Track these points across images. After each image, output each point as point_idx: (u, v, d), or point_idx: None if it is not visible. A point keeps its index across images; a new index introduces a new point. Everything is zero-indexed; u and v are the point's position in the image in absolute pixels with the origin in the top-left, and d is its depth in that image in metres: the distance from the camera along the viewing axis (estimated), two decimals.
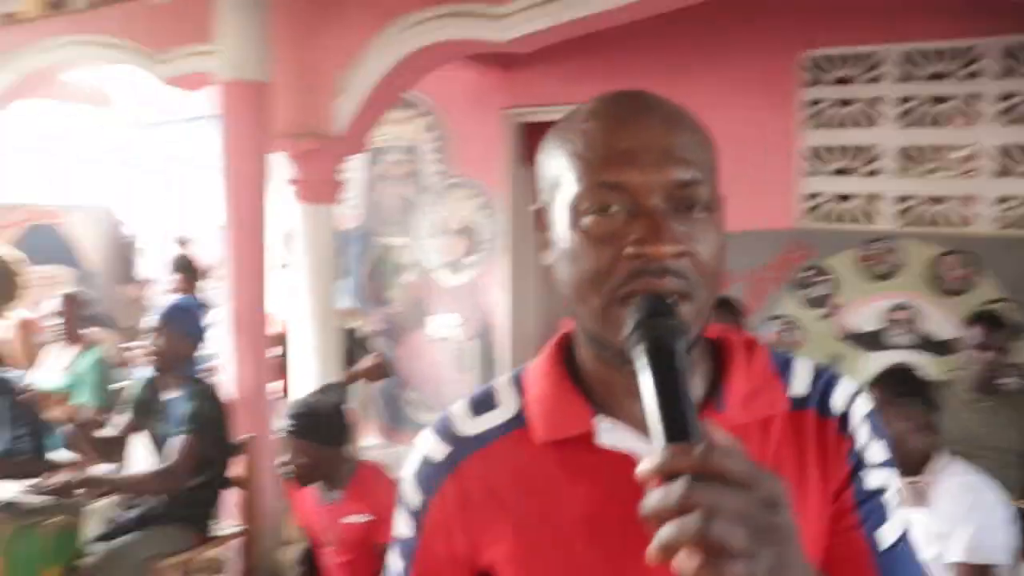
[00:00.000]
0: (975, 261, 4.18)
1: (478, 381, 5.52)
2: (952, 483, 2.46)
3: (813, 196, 4.55)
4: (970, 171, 4.22)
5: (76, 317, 4.51)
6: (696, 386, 0.89)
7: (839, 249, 4.48)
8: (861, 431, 0.91)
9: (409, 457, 0.98)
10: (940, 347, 4.24)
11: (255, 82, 3.94)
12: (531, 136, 5.44)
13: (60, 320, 4.47)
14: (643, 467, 0.62)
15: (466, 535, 0.93)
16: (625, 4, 3.47)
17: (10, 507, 2.92)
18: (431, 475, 0.95)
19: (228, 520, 3.70)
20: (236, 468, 3.63)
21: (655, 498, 0.61)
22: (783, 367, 0.93)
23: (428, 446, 0.96)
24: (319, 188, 4.28)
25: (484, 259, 5.55)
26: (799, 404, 0.91)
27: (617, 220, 0.81)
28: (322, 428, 2.90)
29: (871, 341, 4.42)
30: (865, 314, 4.44)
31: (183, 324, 3.53)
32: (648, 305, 0.77)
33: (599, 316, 0.82)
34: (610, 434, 0.88)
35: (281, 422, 2.98)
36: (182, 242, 5.64)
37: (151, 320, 3.59)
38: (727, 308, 3.69)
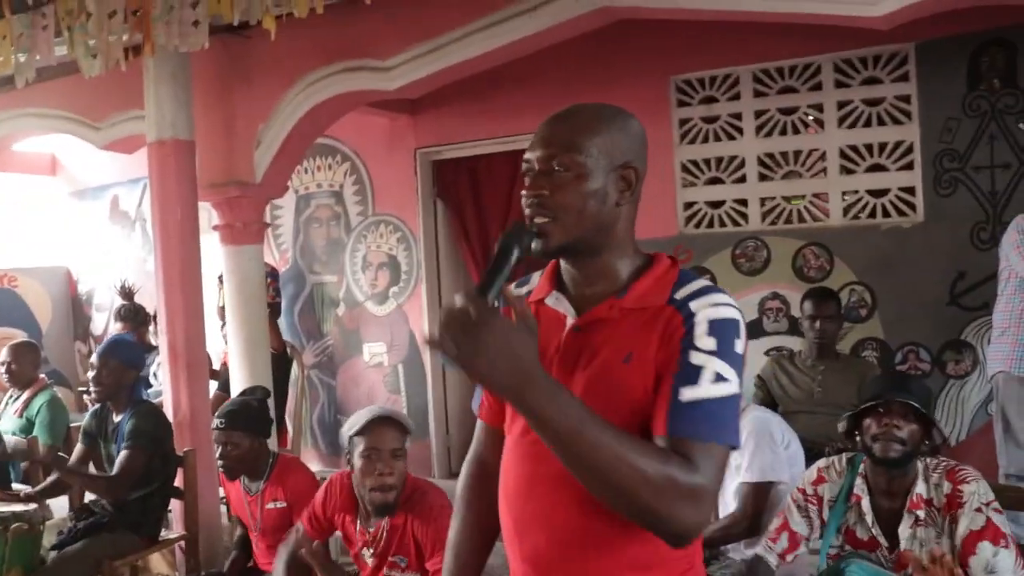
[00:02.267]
0: (829, 251, 4.74)
1: (408, 401, 5.98)
2: (744, 419, 2.96)
3: (690, 205, 5.10)
4: (819, 172, 4.79)
5: (26, 364, 4.90)
6: (612, 281, 1.44)
7: (716, 250, 5.02)
8: (700, 326, 1.34)
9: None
10: None
11: (181, 140, 4.40)
12: (442, 172, 5.96)
13: (11, 368, 4.86)
14: (456, 296, 1.22)
15: None
16: (493, 49, 4.00)
17: None
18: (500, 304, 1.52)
19: (175, 528, 4.12)
20: (179, 480, 4.04)
21: (449, 309, 1.21)
22: (682, 281, 1.41)
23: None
24: (244, 231, 4.74)
25: (406, 289, 6.03)
26: (671, 303, 1.38)
27: (527, 178, 1.44)
28: (249, 420, 3.37)
29: (750, 330, 4.94)
30: (743, 306, 4.90)
31: (120, 353, 3.94)
32: (513, 225, 1.38)
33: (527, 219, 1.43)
34: (554, 301, 1.49)
35: (214, 421, 3.44)
36: (126, 293, 6.04)
37: (93, 357, 4.00)
38: None
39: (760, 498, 3.01)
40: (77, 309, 7.80)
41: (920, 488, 2.48)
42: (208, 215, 5.23)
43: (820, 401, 3.79)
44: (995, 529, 2.35)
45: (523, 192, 1.43)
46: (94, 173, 7.52)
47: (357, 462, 2.75)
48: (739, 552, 3.08)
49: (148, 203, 7.01)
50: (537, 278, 1.58)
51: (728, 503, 3.09)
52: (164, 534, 4.08)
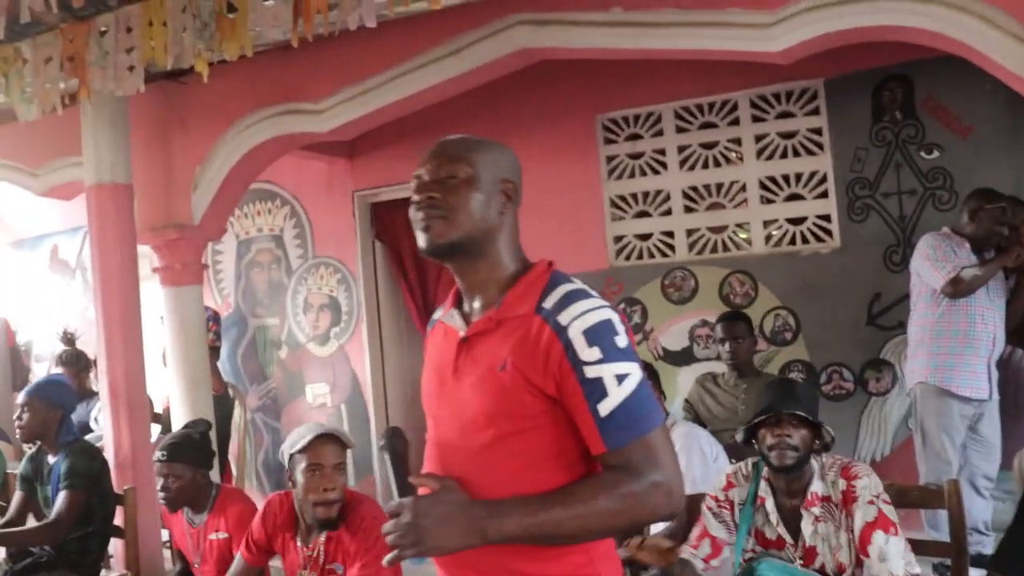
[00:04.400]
0: (753, 278, 4.94)
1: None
2: (674, 434, 3.11)
3: (619, 238, 5.28)
4: (741, 203, 5.01)
5: None
6: (495, 291, 1.57)
7: (646, 281, 5.19)
8: (578, 341, 1.43)
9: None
10: None
11: (120, 184, 4.48)
12: (380, 214, 6.09)
13: None
14: (387, 506, 1.45)
15: (426, 351, 1.75)
16: (420, 90, 4.17)
17: None
18: (429, 329, 1.77)
19: (116, 566, 4.12)
20: (119, 518, 4.05)
21: (387, 526, 1.41)
22: (551, 286, 1.52)
23: (431, 318, 1.79)
24: (183, 272, 4.81)
25: (347, 329, 6.12)
26: (539, 311, 1.48)
27: (417, 187, 1.58)
28: (190, 452, 3.43)
29: (682, 357, 5.11)
30: (674, 334, 5.14)
31: (45, 392, 3.95)
32: (389, 432, 1.76)
33: (416, 229, 1.58)
34: (449, 317, 1.63)
35: (156, 453, 3.48)
36: (68, 338, 6.03)
37: (19, 399, 4.00)
38: None
39: (693, 510, 3.13)
40: (15, 360, 7.73)
41: (816, 486, 2.65)
42: (148, 259, 5.29)
43: (744, 418, 3.93)
44: (885, 519, 2.53)
45: (413, 200, 1.56)
46: (33, 223, 7.52)
47: (300, 478, 2.84)
48: None
49: (88, 251, 7.12)
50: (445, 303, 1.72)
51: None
52: (104, 574, 4.09)
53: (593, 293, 1.52)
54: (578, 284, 1.54)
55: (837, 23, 3.40)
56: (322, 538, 2.87)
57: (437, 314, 1.75)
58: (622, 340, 1.47)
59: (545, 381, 1.46)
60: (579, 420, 1.46)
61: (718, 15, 3.54)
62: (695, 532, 2.85)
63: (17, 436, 4.01)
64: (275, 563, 3.19)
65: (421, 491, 1.46)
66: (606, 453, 1.44)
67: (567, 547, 1.47)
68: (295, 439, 2.90)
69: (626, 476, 1.42)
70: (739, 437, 2.81)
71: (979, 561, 3.41)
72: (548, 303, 1.49)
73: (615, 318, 1.48)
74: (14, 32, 3.49)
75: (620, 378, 1.43)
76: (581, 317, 1.45)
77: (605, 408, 1.42)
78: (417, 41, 4.08)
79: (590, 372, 1.43)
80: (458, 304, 1.65)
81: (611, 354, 1.44)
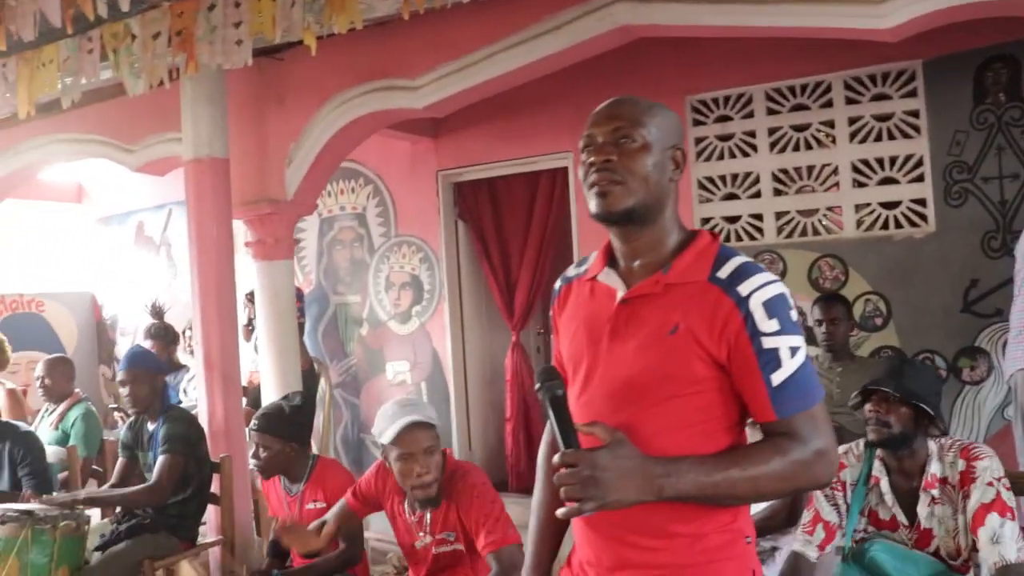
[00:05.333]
0: (843, 262, 4.86)
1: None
2: None
3: (707, 220, 5.24)
4: (832, 186, 4.93)
5: (60, 378, 5.04)
6: (659, 255, 1.57)
7: None
8: (758, 312, 1.46)
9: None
10: None
11: (217, 159, 4.56)
12: (463, 194, 6.13)
13: (45, 382, 4.99)
14: (553, 460, 1.43)
15: (561, 311, 1.75)
16: (516, 67, 4.16)
17: (28, 514, 3.41)
18: (560, 286, 1.77)
19: (210, 532, 4.22)
20: (214, 486, 4.16)
21: (557, 474, 1.40)
22: (722, 258, 1.53)
23: (563, 275, 1.80)
24: (275, 247, 4.89)
25: (428, 308, 6.17)
26: (713, 280, 1.50)
27: (591, 150, 1.57)
28: (281, 424, 3.49)
29: None
30: None
31: (144, 362, 4.08)
32: (545, 374, 1.51)
33: (587, 192, 1.57)
34: (605, 276, 1.62)
35: (251, 423, 3.56)
36: (157, 312, 6.18)
37: (119, 374, 4.10)
38: None
39: None
40: (102, 334, 7.96)
41: (935, 468, 2.60)
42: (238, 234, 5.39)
43: (839, 401, 3.89)
44: (1003, 502, 2.48)
45: (588, 161, 1.56)
46: (119, 200, 7.73)
47: (395, 466, 2.87)
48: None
49: (172, 228, 7.30)
50: (592, 258, 1.72)
51: None
52: (201, 539, 4.20)
53: (764, 267, 1.53)
54: (748, 257, 1.55)
55: None
56: (428, 511, 2.92)
57: (571, 271, 1.76)
58: (795, 314, 1.50)
59: (718, 348, 1.49)
60: (749, 388, 1.49)
61: None
62: (806, 518, 2.80)
63: (130, 410, 4.10)
64: (376, 532, 3.24)
65: (586, 442, 1.45)
66: (775, 421, 1.48)
67: (718, 506, 1.50)
68: (382, 427, 2.89)
69: (795, 443, 1.46)
70: (853, 404, 2.78)
71: None
72: (723, 273, 1.51)
73: (787, 292, 1.51)
74: (120, 11, 3.56)
75: (793, 351, 1.47)
76: (761, 289, 1.48)
77: (778, 378, 1.46)
78: (516, 17, 4.08)
79: (767, 343, 1.46)
80: (610, 263, 1.65)
81: (787, 327, 1.48)
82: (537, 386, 1.48)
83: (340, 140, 4.75)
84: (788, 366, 1.46)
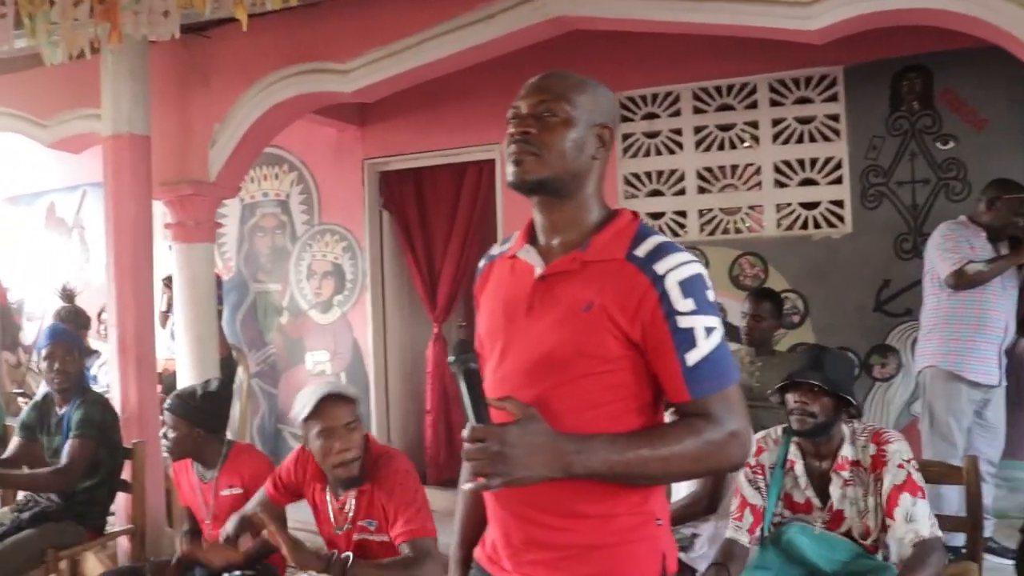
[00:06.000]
0: (763, 260, 4.98)
1: None
2: None
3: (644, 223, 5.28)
4: (755, 185, 5.05)
5: None
6: (578, 233, 1.56)
7: None
8: (674, 291, 1.45)
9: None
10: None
11: (137, 135, 4.43)
12: (389, 183, 6.08)
13: None
14: (462, 434, 1.40)
15: (483, 289, 1.73)
16: (449, 54, 4.15)
17: None
18: (483, 264, 1.76)
19: (119, 521, 4.09)
20: (126, 473, 4.02)
21: (465, 448, 1.38)
22: (641, 236, 1.52)
23: (487, 254, 1.78)
24: (196, 230, 4.78)
25: (350, 297, 6.11)
26: (631, 258, 1.49)
27: (515, 121, 1.57)
28: (188, 408, 3.38)
29: None
30: None
31: (69, 338, 3.95)
32: (458, 347, 1.48)
33: (508, 162, 1.56)
34: (524, 253, 1.61)
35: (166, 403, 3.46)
36: (67, 295, 5.97)
37: (37, 347, 3.94)
38: None
39: (718, 477, 3.16)
40: (6, 318, 7.65)
41: (847, 451, 2.70)
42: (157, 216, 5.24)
43: (759, 395, 3.97)
44: (913, 483, 2.58)
45: (509, 132, 1.56)
46: (30, 179, 7.43)
47: (314, 444, 2.80)
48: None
49: (87, 210, 7.06)
50: (516, 236, 1.71)
51: (682, 483, 3.23)
52: (109, 528, 4.07)
53: (682, 247, 1.53)
54: (666, 237, 1.55)
55: (875, 3, 3.42)
56: (352, 492, 2.86)
57: (495, 250, 1.75)
58: (711, 294, 1.49)
59: (632, 326, 1.47)
60: (664, 368, 1.48)
61: None
62: (735, 503, 2.85)
63: (55, 387, 3.89)
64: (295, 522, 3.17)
65: (498, 417, 1.42)
66: (689, 402, 1.47)
67: (628, 486, 1.49)
68: (301, 404, 2.84)
69: (709, 424, 1.46)
70: (775, 398, 2.85)
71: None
72: (640, 251, 1.50)
73: (705, 273, 1.51)
74: None
75: (708, 330, 1.46)
76: (677, 268, 1.47)
77: (693, 358, 1.45)
78: (450, 4, 4.07)
79: (683, 322, 1.45)
80: (531, 241, 1.64)
81: (703, 306, 1.47)
82: (451, 359, 1.45)
83: (266, 122, 4.67)
84: (703, 346, 1.45)
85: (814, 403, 2.69)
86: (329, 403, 2.79)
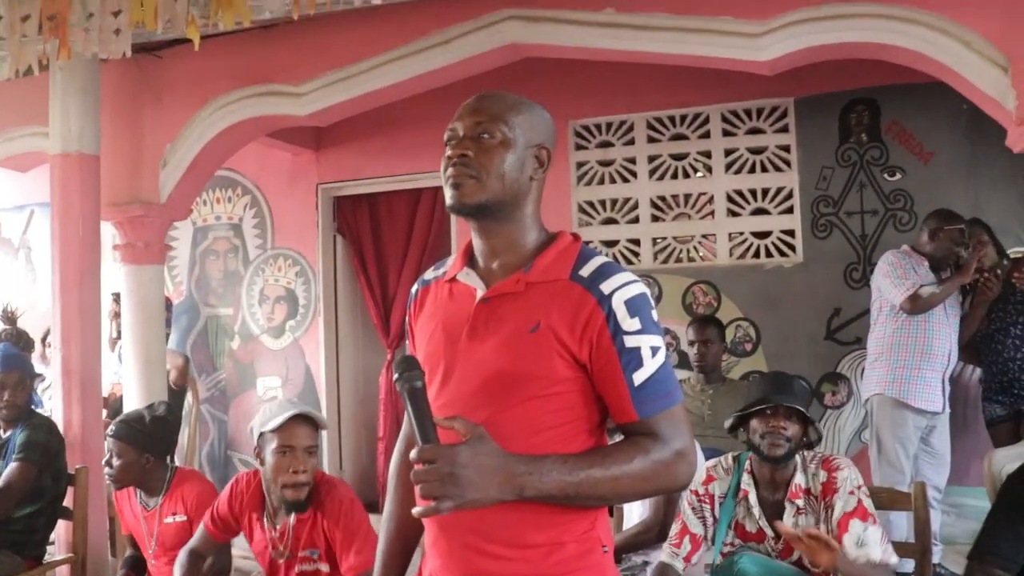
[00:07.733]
0: (716, 288, 5.02)
1: None
2: None
3: (586, 244, 5.30)
4: (708, 214, 5.10)
5: None
6: (519, 255, 1.56)
7: None
8: (620, 311, 1.45)
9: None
10: None
11: (86, 155, 4.35)
12: (343, 208, 6.04)
13: None
14: (411, 455, 1.36)
15: (417, 314, 1.70)
16: (404, 79, 4.15)
17: None
18: (416, 289, 1.73)
19: (59, 549, 3.97)
20: (68, 499, 3.91)
21: (414, 470, 1.35)
22: (584, 257, 1.53)
23: (420, 279, 1.75)
24: (145, 251, 4.69)
25: (303, 323, 6.05)
26: (575, 279, 1.49)
27: (452, 144, 1.55)
28: (136, 433, 3.29)
29: None
30: None
31: (22, 363, 3.84)
32: (403, 363, 1.44)
33: (444, 185, 1.55)
34: (464, 276, 1.60)
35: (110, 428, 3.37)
36: (9, 317, 5.82)
37: None
38: None
39: (670, 506, 3.14)
40: None
41: (799, 479, 2.70)
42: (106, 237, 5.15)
43: (710, 423, 3.99)
44: (864, 509, 2.59)
45: (446, 155, 1.54)
46: None
47: (270, 459, 2.75)
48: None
49: (34, 231, 6.92)
50: (451, 260, 1.69)
51: (634, 511, 3.22)
52: (49, 557, 3.94)
53: (624, 268, 1.54)
54: (608, 258, 1.56)
55: (823, 36, 3.50)
56: (291, 520, 2.80)
57: (429, 275, 1.72)
58: (655, 314, 1.50)
59: (580, 346, 1.47)
60: (611, 388, 1.48)
61: (710, 22, 3.62)
62: (674, 530, 2.85)
63: (3, 415, 3.79)
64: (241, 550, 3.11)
65: (445, 438, 1.38)
66: (636, 422, 1.47)
67: (574, 514, 1.48)
68: (267, 417, 2.80)
69: (656, 443, 1.46)
70: (727, 424, 2.85)
71: None
72: (584, 271, 1.50)
73: (648, 292, 1.51)
74: None
75: (654, 350, 1.47)
76: (622, 288, 1.47)
77: (640, 377, 1.46)
78: (405, 29, 4.07)
79: (629, 341, 1.45)
80: (470, 264, 1.63)
81: (648, 326, 1.48)
82: (396, 376, 1.41)
83: (219, 144, 4.62)
84: (649, 365, 1.46)
85: (790, 428, 2.69)
86: (297, 422, 2.76)
